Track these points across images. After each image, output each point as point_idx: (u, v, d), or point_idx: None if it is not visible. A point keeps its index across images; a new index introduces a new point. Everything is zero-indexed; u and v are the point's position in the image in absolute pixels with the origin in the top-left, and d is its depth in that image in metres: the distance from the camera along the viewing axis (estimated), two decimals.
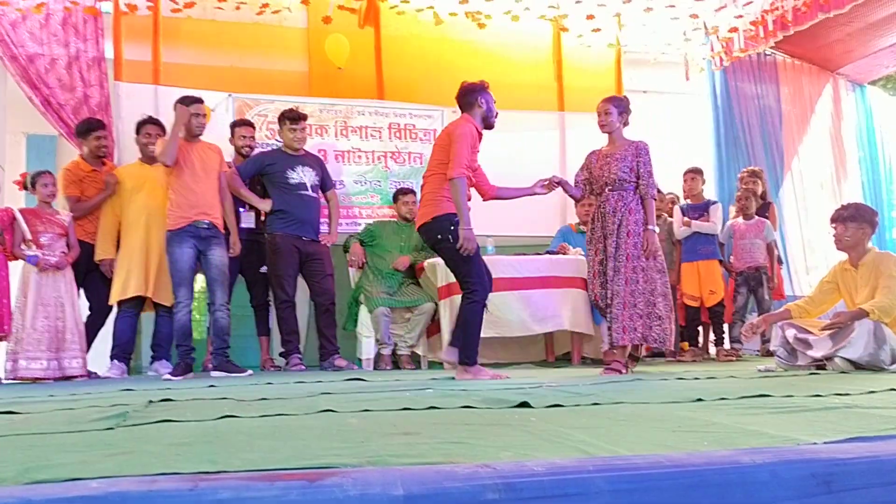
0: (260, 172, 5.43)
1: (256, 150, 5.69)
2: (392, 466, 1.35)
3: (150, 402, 2.78)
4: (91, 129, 5.36)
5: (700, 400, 2.43)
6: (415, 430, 1.85)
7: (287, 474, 1.24)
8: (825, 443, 1.53)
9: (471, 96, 4.30)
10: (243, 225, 5.41)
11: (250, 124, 5.77)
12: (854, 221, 4.18)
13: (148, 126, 5.34)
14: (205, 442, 1.68)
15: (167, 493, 1.12)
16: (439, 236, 4.15)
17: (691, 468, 1.31)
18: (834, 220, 4.28)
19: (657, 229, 4.31)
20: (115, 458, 1.48)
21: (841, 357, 3.90)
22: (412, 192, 6.09)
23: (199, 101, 4.97)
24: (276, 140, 5.89)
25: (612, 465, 1.33)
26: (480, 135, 4.29)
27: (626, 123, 4.52)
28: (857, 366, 3.86)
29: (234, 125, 5.69)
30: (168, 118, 5.64)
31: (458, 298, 5.37)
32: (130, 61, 6.00)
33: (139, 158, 5.41)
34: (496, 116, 4.32)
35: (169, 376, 4.69)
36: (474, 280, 4.07)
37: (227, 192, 5.13)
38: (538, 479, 1.26)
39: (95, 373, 5.17)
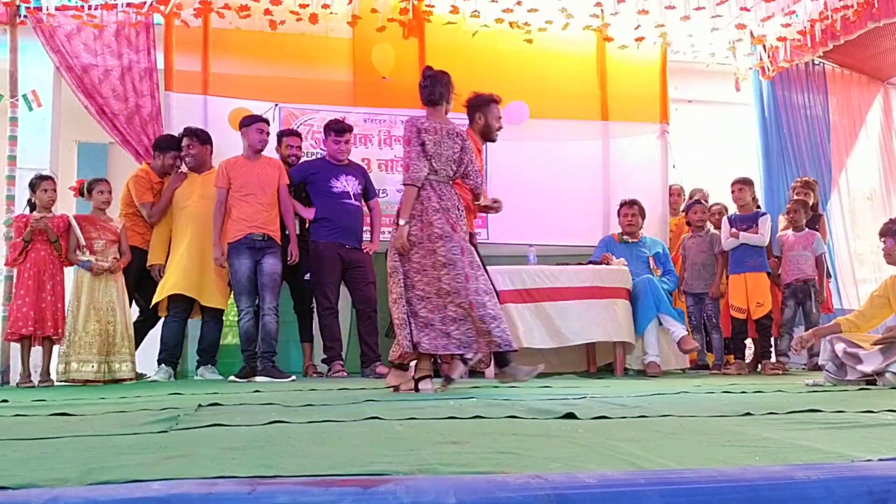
0: (304, 181, 5.50)
1: (302, 160, 5.77)
2: (443, 475, 1.36)
3: (200, 405, 2.84)
4: (172, 147, 5.50)
5: (749, 414, 2.40)
6: (462, 439, 1.86)
7: (341, 480, 1.27)
8: (880, 459, 1.50)
9: (470, 111, 4.29)
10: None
11: (297, 134, 5.85)
12: (891, 237, 4.10)
13: (183, 138, 5.46)
14: (257, 447, 1.71)
15: (227, 495, 1.15)
16: None
17: (745, 483, 1.30)
18: (883, 233, 4.20)
19: (402, 221, 3.88)
20: (172, 460, 1.52)
21: (892, 372, 3.82)
22: None
23: (264, 120, 5.26)
24: (322, 149, 5.96)
25: (664, 478, 1.32)
26: (479, 149, 4.23)
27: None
28: None
29: (280, 134, 5.78)
30: (217, 127, 5.80)
31: (508, 307, 5.41)
32: (181, 72, 6.13)
33: (188, 167, 5.53)
34: (498, 131, 4.24)
35: (234, 378, 4.95)
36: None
37: (289, 204, 5.36)
38: (590, 490, 1.26)
39: (144, 374, 5.29)
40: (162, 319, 5.41)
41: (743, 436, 1.91)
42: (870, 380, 3.96)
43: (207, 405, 2.89)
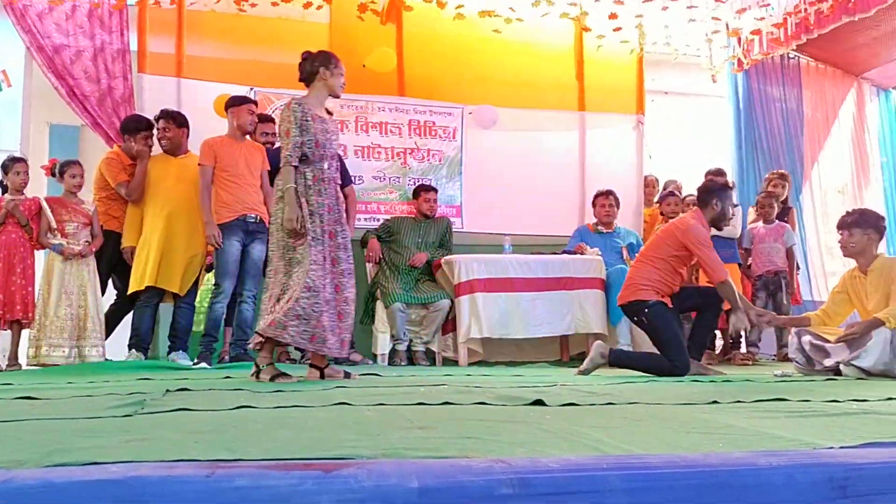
0: (278, 167, 5.44)
1: (277, 145, 5.71)
2: (408, 459, 1.36)
3: (168, 391, 2.81)
4: (141, 127, 5.39)
5: (715, 402, 2.42)
6: (430, 424, 1.86)
7: (303, 464, 1.25)
8: (842, 447, 1.52)
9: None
10: None
11: (272, 119, 5.79)
12: (858, 227, 4.14)
13: (159, 120, 5.37)
14: (221, 431, 1.70)
15: (185, 479, 1.14)
16: (634, 318, 4.41)
17: (707, 469, 1.31)
18: (839, 226, 4.25)
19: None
20: (133, 444, 1.50)
21: (854, 365, 3.87)
22: (434, 189, 6.11)
23: (254, 101, 5.20)
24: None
25: (626, 463, 1.33)
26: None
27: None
28: (869, 374, 3.83)
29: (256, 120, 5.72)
30: (190, 110, 5.71)
31: (478, 296, 5.43)
32: (154, 54, 6.03)
33: (163, 150, 5.45)
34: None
35: (205, 364, 4.84)
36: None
37: (269, 190, 5.24)
38: (553, 475, 1.26)
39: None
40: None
41: (708, 423, 1.93)
42: (837, 371, 4.01)
43: (175, 390, 2.86)
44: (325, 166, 3.68)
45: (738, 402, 2.44)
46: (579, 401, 2.44)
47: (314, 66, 3.75)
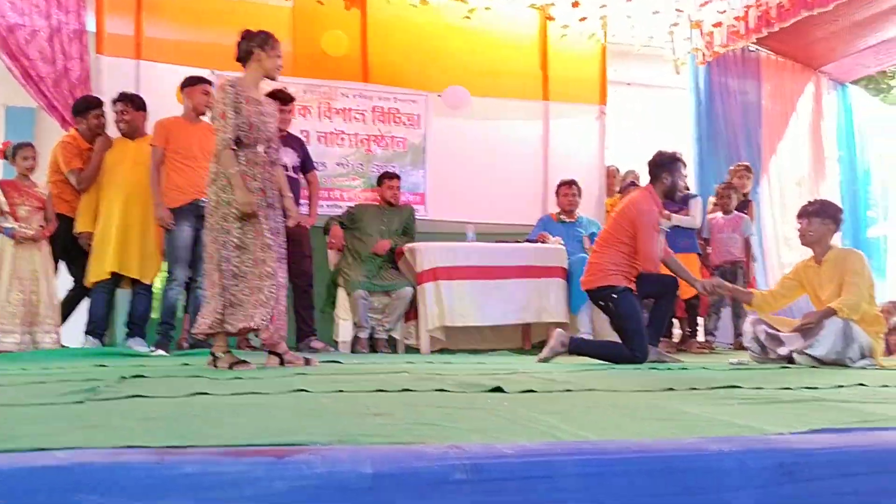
0: None
1: None
2: (363, 446, 1.35)
3: (123, 377, 2.76)
4: (90, 107, 5.28)
5: (671, 389, 2.45)
6: (387, 411, 1.85)
7: (255, 450, 1.24)
8: (792, 433, 1.54)
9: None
10: None
11: None
12: (818, 217, 4.23)
13: (116, 103, 5.27)
14: (174, 418, 1.68)
15: (133, 465, 1.12)
16: (601, 303, 4.41)
17: (659, 454, 1.33)
18: (800, 215, 4.33)
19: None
20: (83, 430, 1.47)
21: (807, 354, 3.95)
22: (397, 176, 6.08)
23: (209, 82, 5.06)
24: None
25: (580, 449, 1.34)
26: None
27: None
28: (822, 363, 3.92)
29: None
30: (149, 92, 5.60)
31: (440, 284, 5.43)
32: (112, 35, 5.89)
33: (121, 133, 5.34)
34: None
35: (162, 352, 4.75)
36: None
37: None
38: (507, 461, 1.26)
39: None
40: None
41: (663, 410, 1.95)
42: (790, 360, 4.09)
43: (131, 377, 2.82)
44: (260, 150, 3.61)
45: (693, 389, 2.48)
46: (538, 388, 2.45)
47: (249, 47, 3.67)
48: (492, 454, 1.28)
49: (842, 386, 2.66)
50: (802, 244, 4.35)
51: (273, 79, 3.85)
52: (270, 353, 3.69)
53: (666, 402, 2.11)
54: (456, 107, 6.43)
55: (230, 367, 3.39)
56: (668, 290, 4.52)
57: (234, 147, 3.52)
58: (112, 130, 5.34)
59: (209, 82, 5.22)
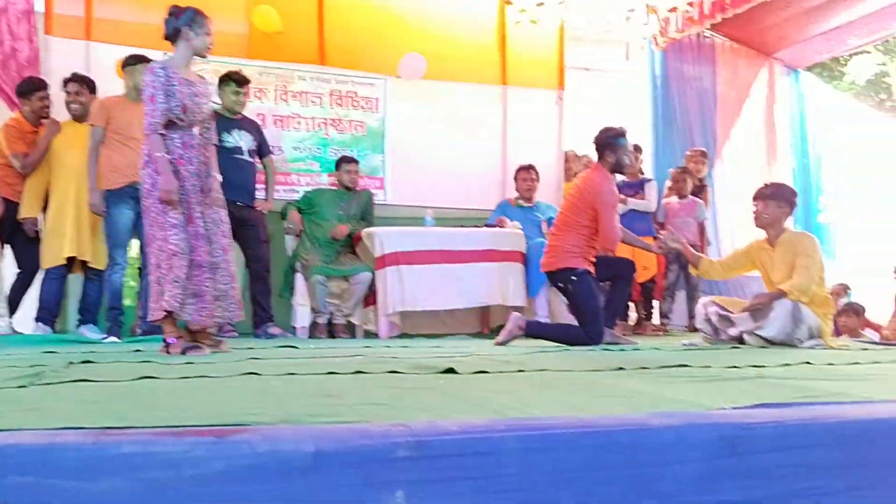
0: None
1: None
2: (307, 425, 1.34)
3: (70, 363, 2.71)
4: (35, 88, 5.14)
5: (622, 369, 2.48)
6: (337, 392, 1.84)
7: (196, 430, 1.23)
8: (734, 408, 1.57)
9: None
10: None
11: None
12: (774, 200, 4.31)
13: (69, 84, 5.14)
14: (118, 400, 1.65)
15: (68, 446, 1.10)
16: (559, 285, 4.44)
17: (602, 429, 1.34)
18: (755, 197, 4.41)
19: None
20: (21, 413, 1.44)
21: (757, 335, 4.03)
22: (355, 161, 6.04)
23: (148, 60, 4.92)
24: (214, 102, 5.73)
25: (524, 425, 1.35)
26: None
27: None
28: (771, 343, 4.00)
29: None
30: (100, 74, 5.47)
31: (399, 269, 5.42)
32: (62, 16, 5.75)
33: (72, 116, 5.22)
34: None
35: (114, 339, 4.68)
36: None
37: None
38: (450, 437, 1.27)
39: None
40: (40, 274, 5.13)
41: (612, 388, 1.97)
42: (741, 340, 4.17)
43: (79, 362, 2.77)
44: (195, 132, 3.55)
45: (644, 368, 2.51)
46: (491, 369, 2.46)
47: (177, 25, 3.57)
48: (436, 431, 1.28)
49: (788, 364, 2.72)
50: (757, 226, 4.43)
51: (203, 57, 3.77)
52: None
53: (615, 381, 2.14)
54: (413, 76, 6.37)
55: (183, 353, 3.34)
56: (625, 272, 4.56)
57: (163, 132, 3.45)
58: (60, 113, 5.22)
59: (145, 59, 5.05)
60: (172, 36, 3.60)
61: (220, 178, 3.77)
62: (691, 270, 4.49)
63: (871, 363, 2.92)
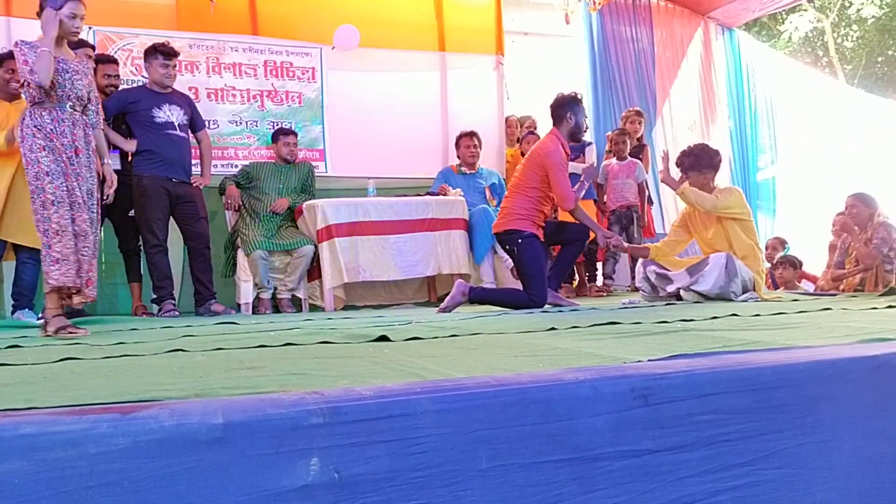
0: (123, 111, 5.15)
1: (121, 88, 5.39)
2: (219, 398, 1.33)
3: None
4: None
5: (553, 329, 2.51)
6: (261, 364, 1.83)
7: (99, 408, 1.20)
8: (649, 360, 1.60)
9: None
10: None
11: (114, 61, 5.44)
12: (693, 170, 4.39)
13: (9, 61, 4.94)
14: (31, 382, 1.61)
15: None
16: (507, 247, 4.51)
17: (516, 387, 1.35)
18: (678, 165, 4.47)
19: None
20: None
21: (693, 290, 4.12)
22: (293, 132, 5.95)
23: (90, 45, 4.81)
24: (143, 77, 5.60)
25: (439, 386, 1.35)
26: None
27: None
28: (707, 298, 4.08)
29: (96, 61, 5.35)
30: None
31: (340, 241, 5.38)
32: None
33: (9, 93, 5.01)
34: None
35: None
36: None
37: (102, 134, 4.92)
38: (365, 402, 1.26)
39: None
40: None
41: (538, 347, 1.99)
42: (678, 297, 4.26)
43: (5, 347, 2.69)
44: (68, 107, 3.55)
45: (575, 327, 2.54)
46: (424, 335, 2.46)
47: (42, 3, 3.54)
48: (350, 397, 1.27)
49: (716, 317, 2.78)
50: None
51: (68, 39, 3.66)
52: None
53: (543, 341, 2.16)
54: (347, 48, 6.28)
55: (56, 333, 3.31)
56: (579, 237, 4.60)
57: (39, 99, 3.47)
58: None
59: (91, 46, 4.97)
60: (41, 12, 3.54)
61: (111, 164, 3.87)
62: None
63: (798, 313, 3.00)
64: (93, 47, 5.05)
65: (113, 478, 1.10)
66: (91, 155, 3.63)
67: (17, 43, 3.53)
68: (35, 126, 3.46)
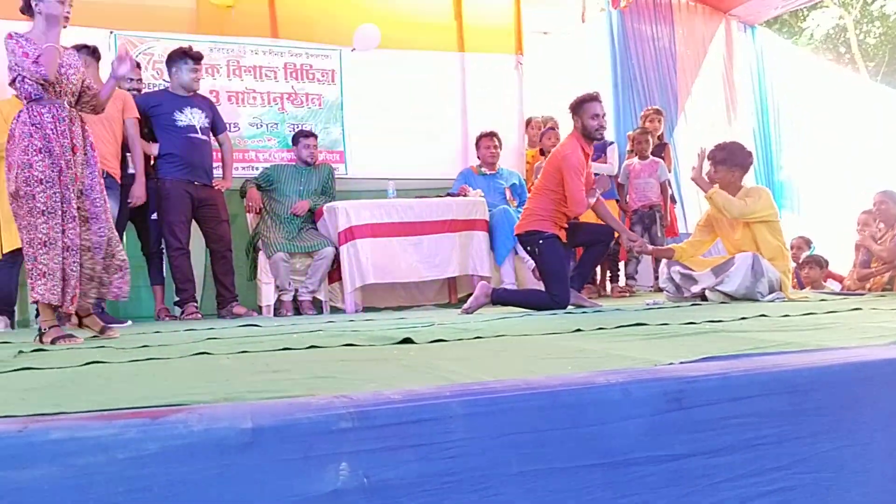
0: (145, 114, 5.18)
1: (143, 91, 5.43)
2: (247, 402, 1.32)
3: (21, 352, 2.65)
4: None
5: (579, 330, 2.48)
6: (287, 368, 1.82)
7: (129, 413, 1.20)
8: (681, 363, 1.57)
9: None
10: (130, 171, 5.16)
11: (136, 64, 5.48)
12: (724, 165, 4.35)
13: None
14: (58, 387, 1.61)
15: None
16: (528, 248, 4.50)
17: (546, 390, 1.33)
18: (708, 158, 4.43)
19: None
20: None
21: (718, 290, 4.07)
22: (314, 135, 5.96)
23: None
24: (164, 80, 5.63)
25: (468, 390, 1.33)
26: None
27: None
28: (733, 298, 4.03)
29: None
30: None
31: (361, 242, 5.38)
32: None
33: None
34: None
35: None
36: None
37: (137, 139, 4.94)
38: (393, 406, 1.25)
39: None
40: None
41: (565, 349, 1.97)
42: (703, 297, 4.21)
43: (31, 351, 2.71)
44: (65, 103, 3.38)
45: (601, 328, 2.51)
46: (448, 337, 2.45)
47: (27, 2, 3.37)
48: (379, 401, 1.26)
49: (744, 318, 2.74)
50: (712, 184, 4.45)
51: (62, 27, 3.47)
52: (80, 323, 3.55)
53: (570, 342, 2.13)
54: (367, 48, 6.25)
55: (53, 343, 3.17)
56: (604, 239, 4.56)
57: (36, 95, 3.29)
58: None
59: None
60: (25, 9, 3.39)
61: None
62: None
63: (827, 313, 2.95)
64: (94, 49, 4.99)
65: (142, 483, 1.10)
66: (89, 150, 3.46)
67: (10, 34, 3.31)
68: (34, 125, 3.27)
